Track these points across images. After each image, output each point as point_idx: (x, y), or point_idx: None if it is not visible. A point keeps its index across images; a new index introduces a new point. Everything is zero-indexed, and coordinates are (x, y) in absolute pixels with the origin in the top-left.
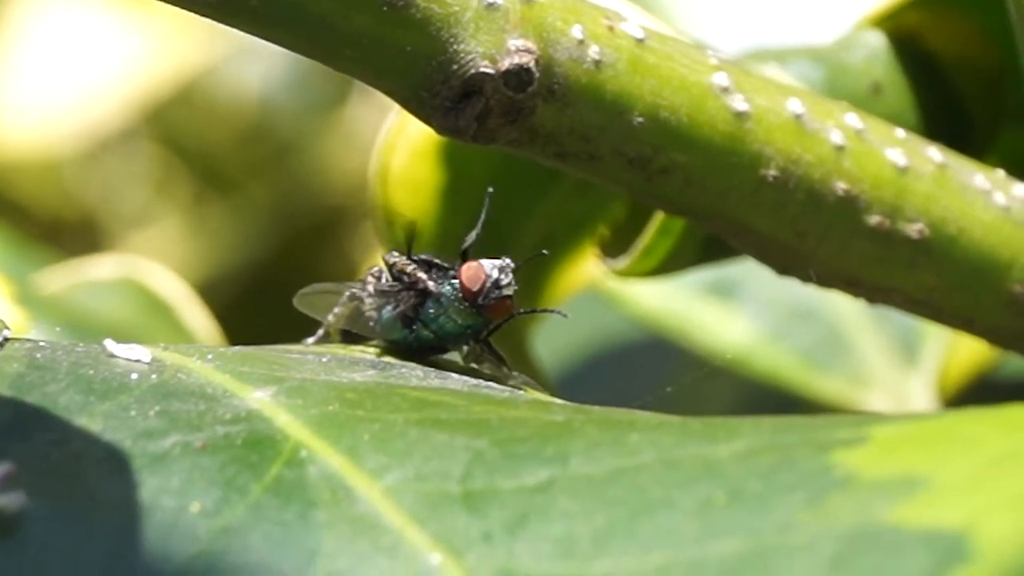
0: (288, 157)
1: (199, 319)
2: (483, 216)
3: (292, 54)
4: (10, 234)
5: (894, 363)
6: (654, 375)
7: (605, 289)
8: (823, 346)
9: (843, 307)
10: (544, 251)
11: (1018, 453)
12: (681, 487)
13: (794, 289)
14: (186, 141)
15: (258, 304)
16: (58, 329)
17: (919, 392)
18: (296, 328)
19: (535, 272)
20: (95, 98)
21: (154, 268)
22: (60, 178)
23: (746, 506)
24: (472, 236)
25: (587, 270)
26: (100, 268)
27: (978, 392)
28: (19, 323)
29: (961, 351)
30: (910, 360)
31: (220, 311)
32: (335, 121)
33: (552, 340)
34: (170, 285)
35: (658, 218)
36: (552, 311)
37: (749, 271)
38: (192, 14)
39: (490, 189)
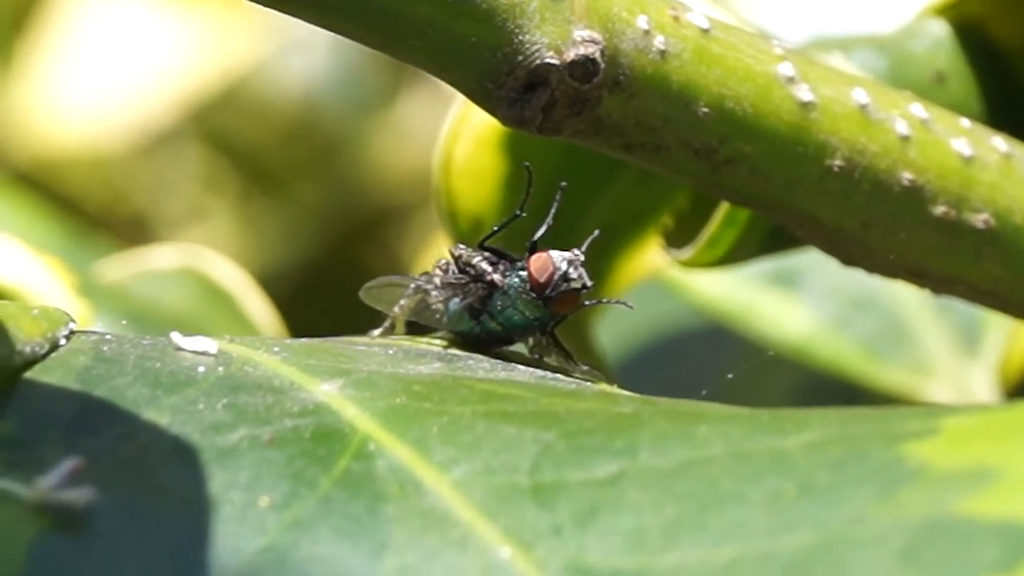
0: (336, 154)
1: (260, 309)
2: (553, 209)
3: (340, 50)
4: (68, 225)
5: (956, 353)
6: (716, 364)
7: (667, 278)
8: (885, 336)
9: (905, 297)
10: (598, 233)
11: None
12: (751, 480)
13: (856, 278)
14: (234, 138)
15: (308, 302)
16: (124, 322)
17: (980, 382)
18: (347, 323)
19: (598, 261)
20: (144, 95)
21: (214, 257)
22: (109, 175)
23: (816, 499)
24: (541, 230)
25: (650, 259)
26: (160, 257)
27: None
28: (83, 315)
29: (1022, 341)
30: (972, 350)
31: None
32: (382, 118)
33: (614, 329)
34: (230, 274)
35: (723, 208)
36: (619, 302)
37: (811, 260)
38: (243, 8)
39: (563, 183)
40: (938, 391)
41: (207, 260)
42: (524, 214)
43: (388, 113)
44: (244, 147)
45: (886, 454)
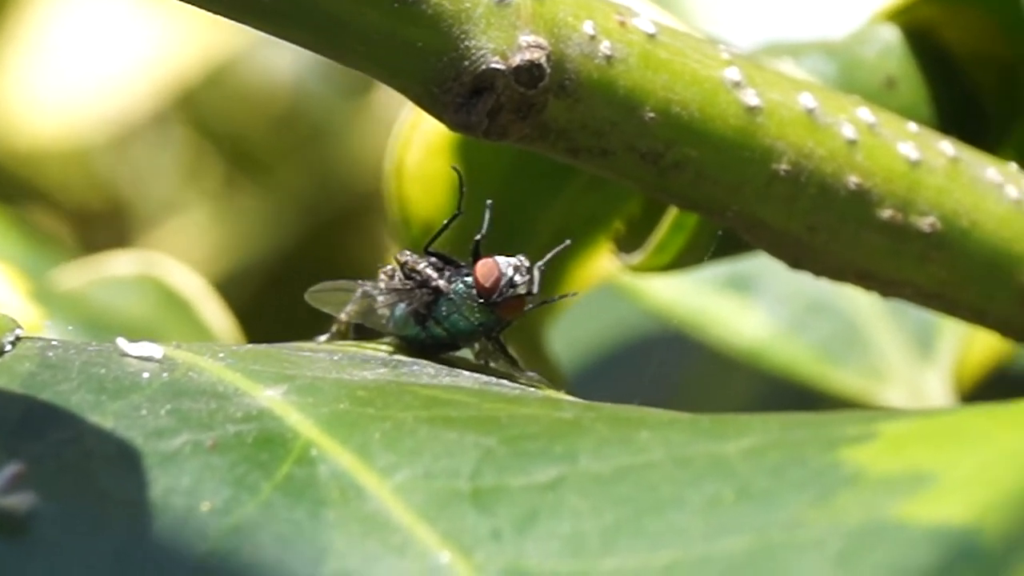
0: (319, 143)
1: (217, 316)
2: (486, 222)
3: None
4: (30, 230)
5: (910, 357)
6: (672, 369)
7: (622, 283)
8: (839, 340)
9: (859, 301)
10: (566, 241)
11: None
12: (690, 485)
13: (810, 283)
14: (216, 127)
15: (289, 291)
16: (70, 328)
17: (935, 386)
18: (326, 319)
19: (551, 267)
20: (123, 84)
21: (173, 264)
22: (88, 165)
23: (754, 503)
24: (481, 233)
25: (603, 265)
26: (118, 264)
27: (995, 385)
28: (33, 320)
29: (977, 344)
30: (926, 354)
31: (250, 298)
32: (366, 106)
33: (569, 334)
34: (189, 281)
35: (671, 213)
36: (565, 296)
37: (765, 265)
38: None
39: (489, 201)
40: (893, 395)
41: (165, 267)
42: (462, 212)
43: (371, 101)
44: (225, 136)
45: (824, 459)
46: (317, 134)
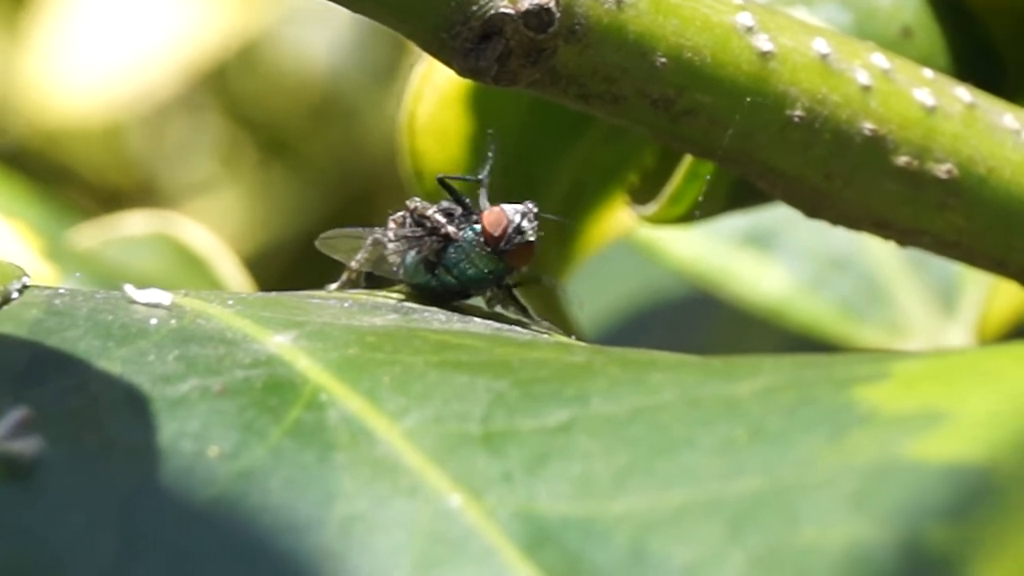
0: (350, 124)
1: (233, 273)
2: (489, 161)
3: (356, 17)
4: (48, 193)
5: (933, 312)
6: (693, 326)
7: (642, 239)
8: (861, 296)
9: (881, 256)
10: (565, 218)
11: None
12: (702, 425)
13: (832, 239)
14: (247, 108)
15: (321, 271)
16: (77, 275)
17: (958, 341)
18: (337, 267)
19: (567, 220)
20: (155, 63)
21: (188, 223)
22: (120, 145)
23: (767, 444)
24: (483, 176)
25: (621, 219)
26: (133, 223)
27: (1019, 340)
28: (51, 279)
29: (1001, 299)
30: (949, 309)
31: (281, 277)
32: (398, 88)
33: (587, 292)
34: (204, 239)
35: (686, 163)
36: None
37: (786, 221)
38: None
39: (492, 147)
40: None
41: (181, 225)
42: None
43: (404, 82)
44: (259, 116)
45: (836, 398)
46: (348, 115)
